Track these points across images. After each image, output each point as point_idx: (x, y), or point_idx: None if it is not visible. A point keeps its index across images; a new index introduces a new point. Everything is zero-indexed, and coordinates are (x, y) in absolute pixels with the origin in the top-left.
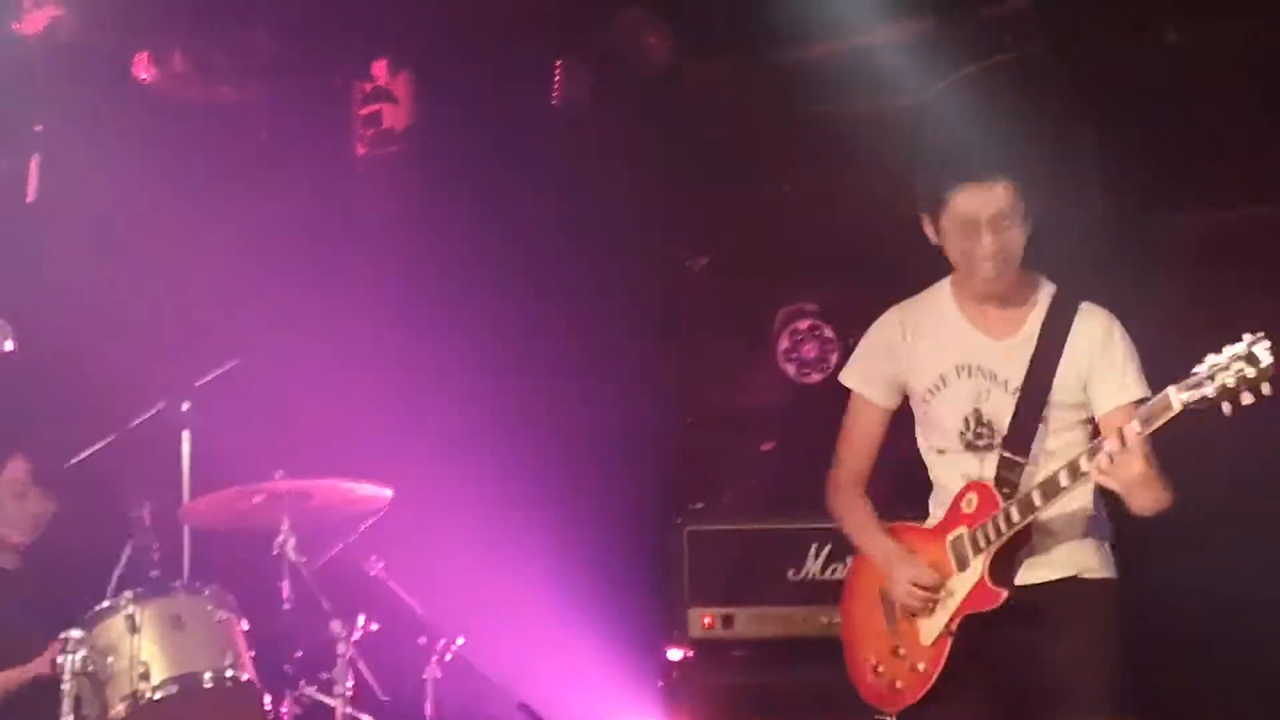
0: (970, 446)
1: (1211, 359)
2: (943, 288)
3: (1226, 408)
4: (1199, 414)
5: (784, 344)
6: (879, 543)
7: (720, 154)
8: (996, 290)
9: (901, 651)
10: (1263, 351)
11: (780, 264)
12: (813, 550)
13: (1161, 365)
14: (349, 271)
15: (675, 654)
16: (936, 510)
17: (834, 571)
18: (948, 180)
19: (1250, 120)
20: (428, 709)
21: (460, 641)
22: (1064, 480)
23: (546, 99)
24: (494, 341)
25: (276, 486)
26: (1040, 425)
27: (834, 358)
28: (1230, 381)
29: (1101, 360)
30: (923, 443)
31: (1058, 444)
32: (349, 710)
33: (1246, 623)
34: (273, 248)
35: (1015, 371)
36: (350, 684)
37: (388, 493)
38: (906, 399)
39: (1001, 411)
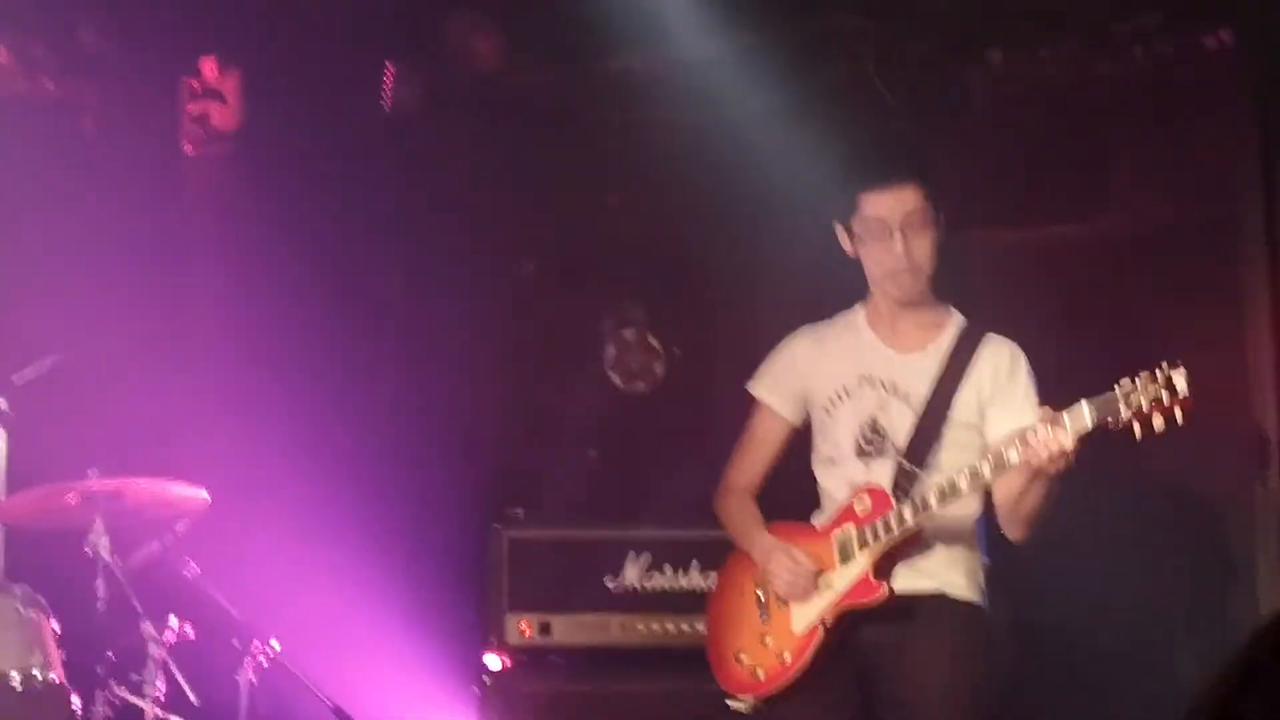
0: (861, 453)
1: (1125, 382)
2: (855, 310)
3: (1138, 429)
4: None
5: (610, 353)
6: (758, 538)
7: (549, 161)
8: (911, 298)
9: (769, 641)
10: (1180, 381)
11: (608, 272)
12: (630, 558)
13: None
14: (174, 271)
15: (492, 660)
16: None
17: (651, 580)
18: (856, 185)
19: (1063, 142)
20: (241, 712)
21: (275, 645)
22: (963, 484)
23: (377, 102)
24: (318, 344)
25: (89, 486)
26: (936, 440)
27: (659, 367)
28: (1145, 404)
29: (1006, 387)
30: (815, 456)
31: (950, 460)
32: (159, 712)
33: (1097, 644)
34: (96, 244)
35: (917, 385)
36: (162, 686)
37: (204, 494)
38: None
39: (897, 422)
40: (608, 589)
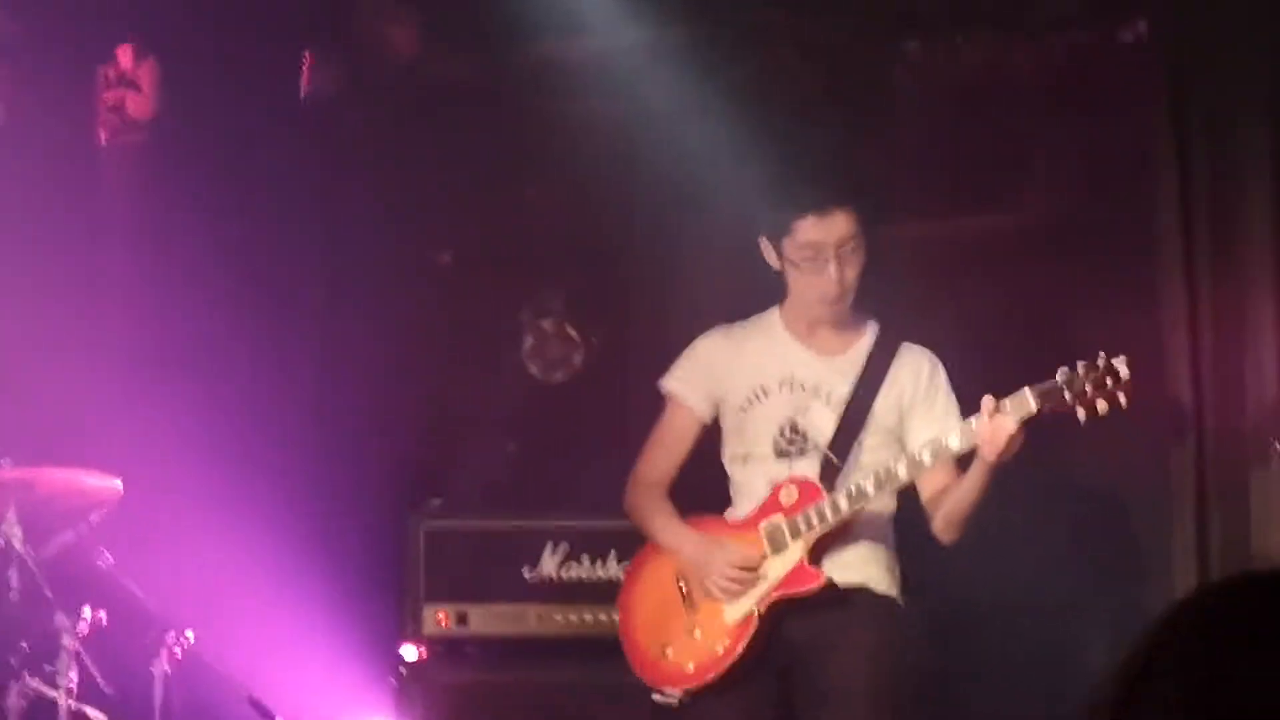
0: (781, 453)
1: (1065, 369)
2: (771, 313)
3: (1082, 414)
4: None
5: (528, 343)
6: (682, 533)
7: (467, 150)
8: (834, 318)
9: (698, 634)
10: (1123, 368)
11: (526, 262)
12: (548, 549)
13: None
14: (87, 259)
15: (409, 651)
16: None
17: (569, 570)
18: (790, 209)
19: (981, 133)
20: (156, 703)
21: (190, 635)
22: (901, 471)
23: (294, 90)
24: (236, 334)
25: (1, 475)
26: (858, 440)
27: (578, 358)
28: (1088, 389)
29: (927, 393)
30: (727, 452)
31: (871, 461)
32: (73, 703)
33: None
34: (7, 232)
35: (839, 386)
36: (75, 677)
37: (117, 483)
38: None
39: (819, 422)
40: (525, 579)
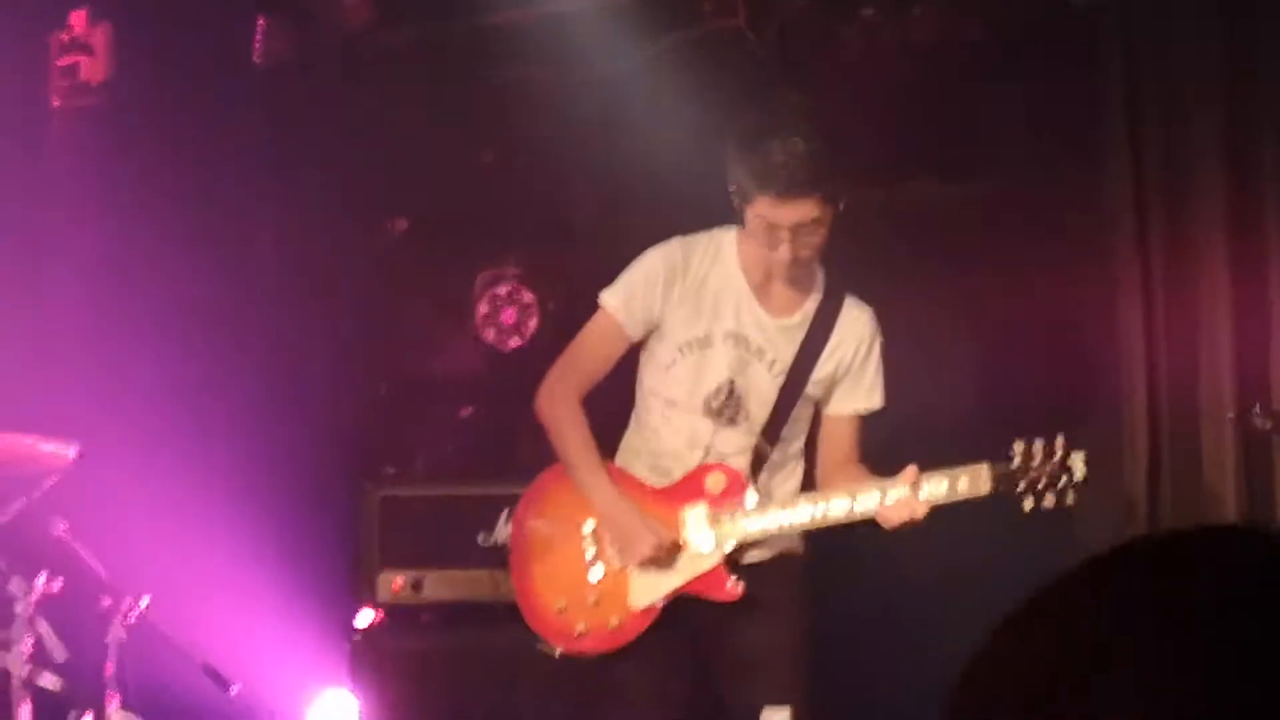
0: (710, 412)
1: (1020, 446)
2: (729, 240)
3: (1028, 504)
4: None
5: (483, 309)
6: (608, 490)
7: (421, 117)
8: (787, 278)
9: (596, 602)
10: (1078, 464)
11: (481, 228)
12: (504, 515)
13: None
14: (41, 224)
15: (364, 616)
16: (636, 460)
17: None
18: (754, 183)
19: (935, 102)
20: (109, 670)
21: (145, 603)
22: (853, 504)
23: (248, 57)
24: (189, 301)
25: None
26: (789, 414)
27: (533, 323)
28: (1041, 483)
29: (861, 365)
30: (651, 385)
31: (792, 431)
32: (27, 670)
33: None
34: None
35: (783, 353)
36: (29, 644)
37: (71, 451)
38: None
39: (756, 389)
40: (480, 545)
